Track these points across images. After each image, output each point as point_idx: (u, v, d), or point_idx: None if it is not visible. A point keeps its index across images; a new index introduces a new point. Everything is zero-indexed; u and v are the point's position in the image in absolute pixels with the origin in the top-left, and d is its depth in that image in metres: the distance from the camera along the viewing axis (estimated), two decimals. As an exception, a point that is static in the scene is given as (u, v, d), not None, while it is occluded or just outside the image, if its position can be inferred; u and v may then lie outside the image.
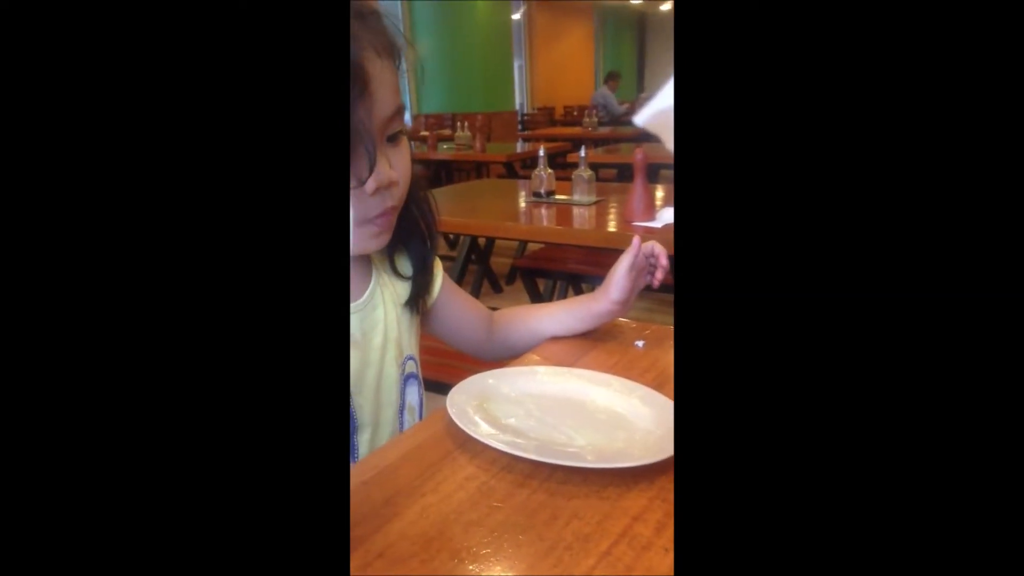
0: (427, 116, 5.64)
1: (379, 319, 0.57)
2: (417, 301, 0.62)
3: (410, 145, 0.55)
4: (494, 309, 0.75)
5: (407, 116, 5.97)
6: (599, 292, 0.67)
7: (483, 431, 0.48)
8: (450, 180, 4.09)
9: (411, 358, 0.61)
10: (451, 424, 0.51)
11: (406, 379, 0.60)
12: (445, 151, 3.63)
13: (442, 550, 0.38)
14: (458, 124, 3.88)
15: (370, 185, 0.47)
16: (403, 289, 0.61)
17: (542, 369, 0.60)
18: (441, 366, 1.19)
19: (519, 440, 0.47)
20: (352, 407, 0.54)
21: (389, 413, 0.58)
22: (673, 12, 0.29)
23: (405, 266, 0.61)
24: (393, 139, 0.50)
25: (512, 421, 0.52)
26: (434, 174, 3.93)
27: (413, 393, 0.61)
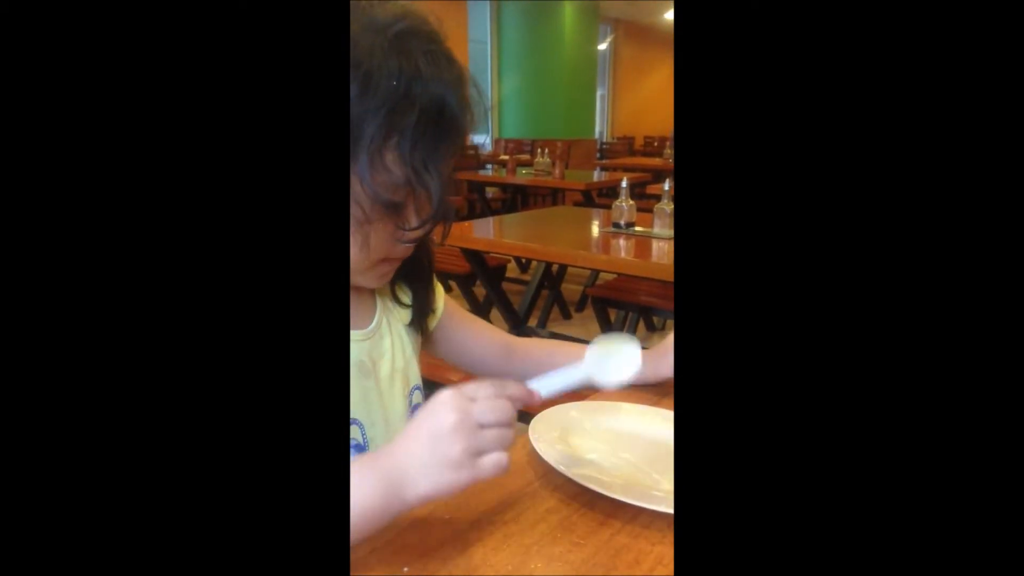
0: (507, 141, 5.75)
1: (387, 348, 0.57)
2: (420, 322, 0.62)
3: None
4: (560, 336, 0.74)
5: (487, 140, 6.14)
6: (655, 355, 0.64)
7: (567, 465, 0.48)
8: (526, 205, 4.14)
9: (417, 388, 0.61)
10: (532, 453, 0.51)
11: (413, 410, 0.60)
12: (524, 176, 3.68)
13: (525, 582, 0.38)
14: (538, 150, 3.93)
15: (413, 235, 0.48)
16: (406, 315, 0.61)
17: (626, 406, 0.59)
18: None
19: (603, 478, 0.47)
20: (365, 440, 0.54)
21: None
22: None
23: (405, 295, 0.62)
24: None
25: (594, 457, 0.52)
26: (511, 198, 3.99)
27: None
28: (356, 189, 0.44)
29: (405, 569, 0.39)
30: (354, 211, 0.45)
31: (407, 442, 0.40)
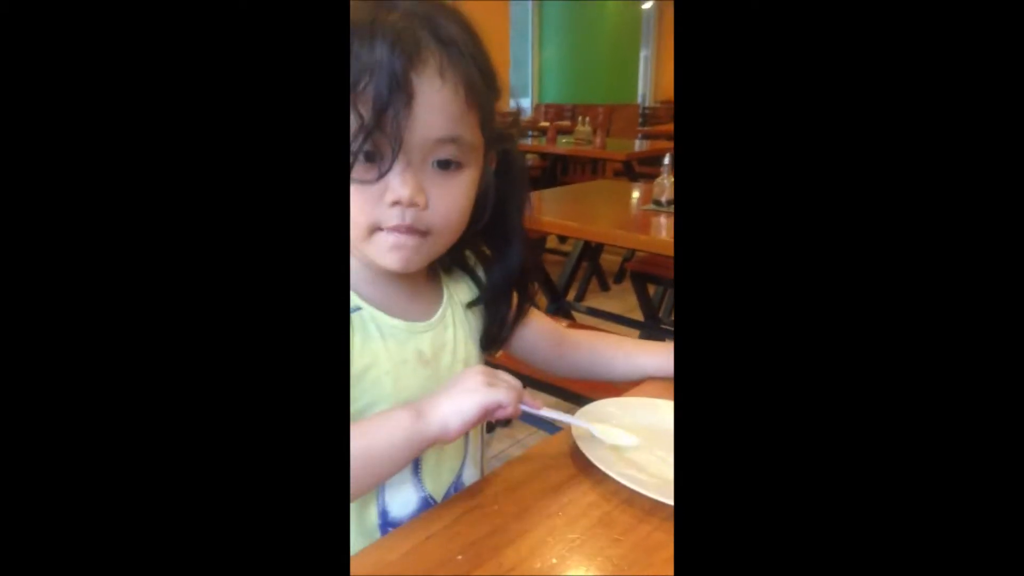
0: (547, 106, 5.68)
1: (448, 339, 0.59)
2: (491, 341, 0.63)
3: (488, 175, 0.56)
4: (598, 313, 0.76)
5: (528, 105, 6.06)
6: None
7: (606, 462, 0.51)
8: (565, 173, 4.10)
9: None
10: (574, 447, 0.55)
11: None
12: (564, 145, 3.65)
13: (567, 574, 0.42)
14: (579, 118, 3.88)
15: (389, 196, 0.48)
16: (470, 317, 0.63)
17: (663, 403, 0.62)
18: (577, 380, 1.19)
19: (642, 476, 0.50)
20: None
21: None
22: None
23: (477, 315, 0.63)
24: (443, 167, 0.50)
25: (633, 454, 0.55)
26: (551, 166, 3.96)
27: None
28: None
29: (459, 557, 0.43)
30: None
31: (440, 389, 0.50)
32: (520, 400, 0.50)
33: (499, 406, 0.48)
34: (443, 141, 0.49)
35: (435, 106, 0.47)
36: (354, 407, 0.52)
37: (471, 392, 0.48)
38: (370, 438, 0.46)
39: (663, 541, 0.45)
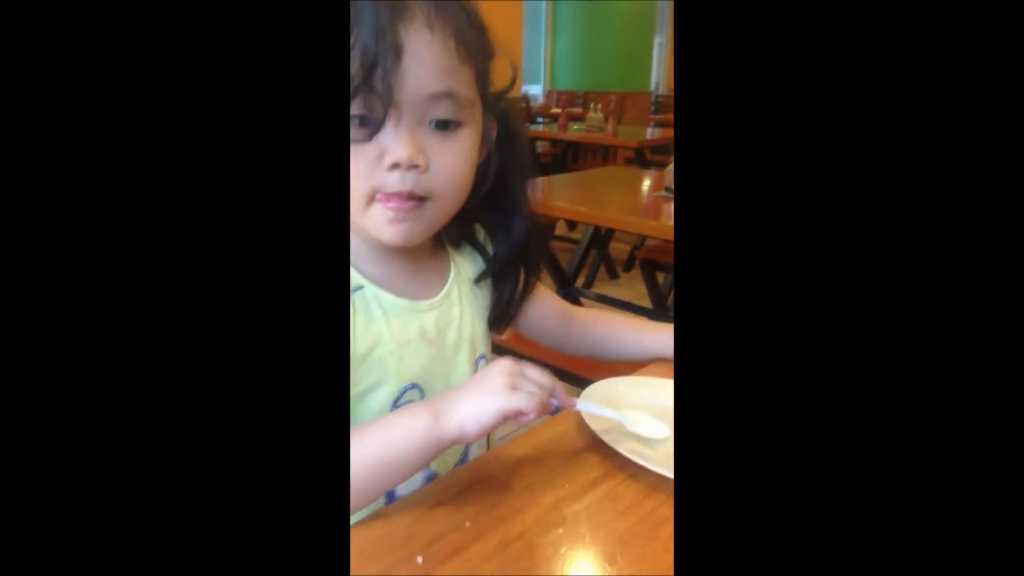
0: (559, 93, 5.64)
1: (454, 317, 0.59)
2: (498, 318, 0.63)
3: (488, 139, 0.54)
4: (607, 300, 0.77)
5: (539, 91, 6.02)
6: None
7: (613, 437, 0.52)
8: (576, 160, 4.09)
9: (483, 358, 0.62)
10: (581, 423, 0.55)
11: None
12: (575, 132, 3.63)
13: (573, 547, 0.42)
14: (591, 105, 3.86)
15: (387, 159, 0.46)
16: (478, 293, 0.62)
17: (671, 383, 0.62)
18: (578, 361, 1.21)
19: (648, 452, 0.51)
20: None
21: None
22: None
23: (485, 289, 0.62)
24: (441, 128, 0.48)
25: (639, 430, 0.55)
26: (562, 153, 3.95)
27: None
28: None
29: (467, 524, 0.44)
30: None
31: (461, 386, 0.48)
32: (548, 399, 0.47)
33: (519, 413, 0.45)
34: (437, 96, 0.47)
35: (426, 59, 0.45)
36: (359, 388, 0.52)
37: (491, 395, 0.45)
38: (387, 444, 0.45)
39: (668, 516, 0.45)
